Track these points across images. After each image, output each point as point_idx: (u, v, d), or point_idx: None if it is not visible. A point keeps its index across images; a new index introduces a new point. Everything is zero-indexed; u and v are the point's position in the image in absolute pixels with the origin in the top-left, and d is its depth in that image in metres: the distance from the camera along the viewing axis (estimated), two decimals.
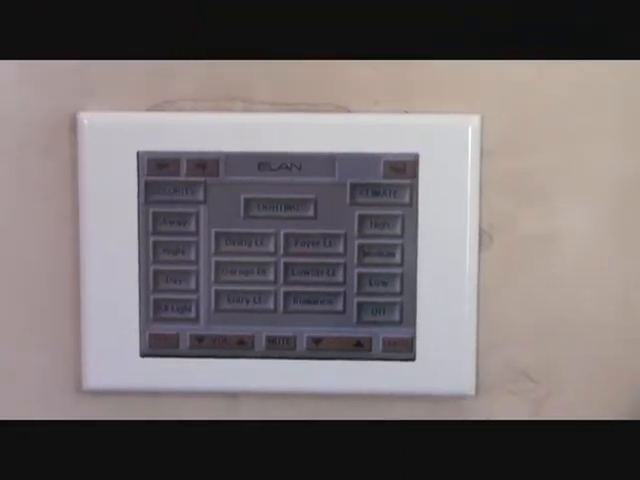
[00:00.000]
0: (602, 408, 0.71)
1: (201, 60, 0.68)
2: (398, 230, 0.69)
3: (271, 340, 0.70)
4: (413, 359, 0.70)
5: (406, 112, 0.69)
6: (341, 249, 0.69)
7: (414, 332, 0.70)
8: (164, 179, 0.69)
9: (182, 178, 0.69)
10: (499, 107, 0.69)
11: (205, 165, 0.69)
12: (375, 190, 0.69)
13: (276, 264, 0.69)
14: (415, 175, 0.69)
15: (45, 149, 0.69)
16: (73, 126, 0.69)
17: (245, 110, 0.69)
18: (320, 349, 0.70)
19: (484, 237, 0.70)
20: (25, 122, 0.69)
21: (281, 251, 0.69)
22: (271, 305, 0.70)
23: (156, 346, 0.70)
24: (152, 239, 0.70)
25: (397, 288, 0.69)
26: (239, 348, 0.70)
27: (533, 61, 0.67)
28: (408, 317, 0.70)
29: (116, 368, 0.70)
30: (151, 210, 0.69)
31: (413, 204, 0.69)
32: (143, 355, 0.70)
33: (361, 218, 0.69)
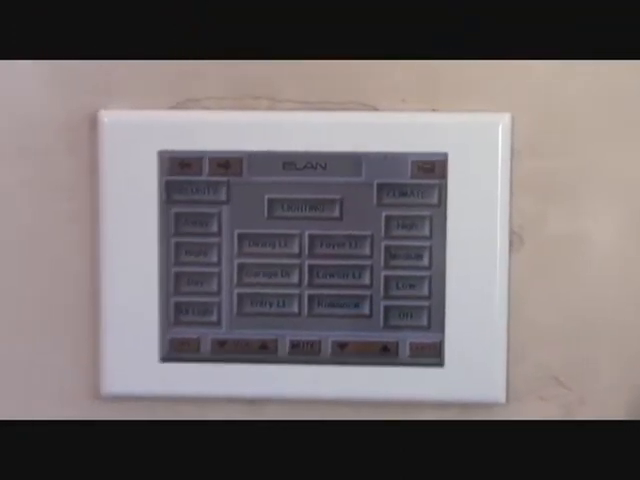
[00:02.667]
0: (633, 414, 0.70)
1: (225, 60, 0.68)
2: (426, 232, 0.69)
3: (295, 345, 0.69)
4: (441, 365, 0.69)
5: (434, 110, 0.69)
6: (367, 251, 0.69)
7: (442, 337, 0.69)
8: (186, 179, 0.69)
9: (204, 178, 0.69)
10: (528, 105, 0.68)
11: (228, 164, 0.68)
12: (402, 190, 0.68)
13: (300, 266, 0.69)
14: (444, 175, 0.68)
15: (67, 148, 0.69)
16: (94, 124, 0.69)
17: (270, 108, 0.69)
18: (345, 354, 0.69)
19: (514, 238, 0.69)
20: (47, 120, 0.69)
21: (306, 253, 0.69)
22: (295, 308, 0.69)
23: (176, 351, 0.70)
24: (173, 240, 0.69)
25: (425, 291, 0.69)
26: (262, 353, 0.70)
27: (563, 61, 0.67)
28: (436, 321, 0.69)
29: (135, 373, 0.70)
30: (172, 210, 0.69)
31: (442, 205, 0.68)
32: (163, 360, 0.70)
33: (388, 219, 0.69)
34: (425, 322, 0.69)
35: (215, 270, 0.69)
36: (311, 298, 0.69)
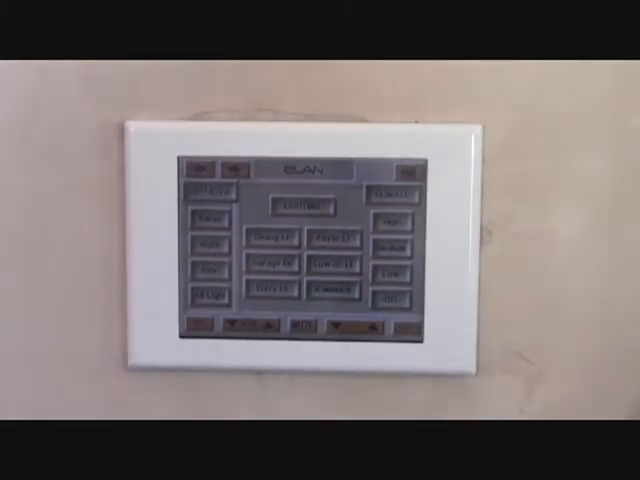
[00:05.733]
0: (586, 386, 0.73)
1: (235, 75, 0.70)
2: (409, 227, 0.70)
3: (295, 324, 0.71)
4: (421, 341, 0.71)
5: (417, 122, 0.70)
6: (358, 243, 0.71)
7: (422, 317, 0.71)
8: (201, 181, 0.70)
9: (217, 180, 0.70)
10: (499, 118, 0.71)
11: (238, 168, 0.70)
12: (388, 191, 0.70)
13: (300, 256, 0.71)
14: (424, 178, 0.70)
15: (97, 153, 0.72)
16: (121, 133, 0.71)
17: (273, 119, 0.71)
18: (339, 332, 0.71)
19: (485, 233, 0.71)
20: (80, 130, 0.72)
21: (304, 245, 0.71)
22: (295, 293, 0.71)
23: (193, 329, 0.72)
24: (190, 234, 0.71)
25: (407, 278, 0.71)
26: (267, 331, 0.71)
27: (531, 77, 0.70)
28: (417, 304, 0.71)
29: (158, 348, 0.72)
30: (189, 208, 0.71)
31: (422, 204, 0.70)
32: (182, 336, 0.72)
33: (376, 216, 0.71)
34: (407, 305, 0.71)
35: (226, 260, 0.71)
36: (309, 284, 0.71)
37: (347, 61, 0.69)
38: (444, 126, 0.71)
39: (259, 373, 0.74)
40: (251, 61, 0.69)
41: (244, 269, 0.71)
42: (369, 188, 0.71)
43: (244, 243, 0.71)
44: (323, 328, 0.72)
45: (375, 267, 0.71)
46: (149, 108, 0.71)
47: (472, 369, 0.72)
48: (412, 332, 0.72)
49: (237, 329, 0.72)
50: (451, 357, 0.72)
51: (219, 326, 0.72)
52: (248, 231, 0.71)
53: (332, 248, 0.71)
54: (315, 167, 0.70)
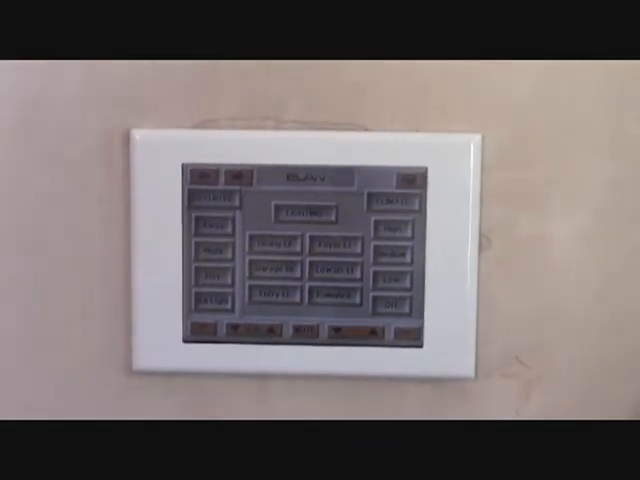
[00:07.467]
0: (583, 390, 0.74)
1: (239, 84, 0.71)
2: (409, 233, 0.72)
3: (297, 329, 0.72)
4: (421, 346, 0.73)
5: (417, 131, 0.72)
6: (359, 250, 0.72)
7: (422, 322, 0.72)
8: (205, 187, 0.72)
9: (221, 187, 0.72)
10: (497, 127, 0.72)
11: (241, 175, 0.71)
12: (389, 198, 0.71)
13: (302, 262, 0.72)
14: (424, 185, 0.71)
15: (104, 160, 0.73)
16: (127, 141, 0.72)
17: (276, 128, 0.72)
18: (340, 337, 0.73)
19: (484, 239, 0.73)
20: (88, 137, 0.72)
21: (306, 251, 0.72)
22: (297, 298, 0.73)
23: (197, 333, 0.73)
24: (194, 240, 0.72)
25: (407, 284, 0.72)
26: (269, 335, 0.73)
27: (529, 84, 0.71)
28: (417, 309, 0.72)
29: (162, 352, 0.73)
30: (193, 214, 0.72)
31: (422, 211, 0.72)
32: (185, 341, 0.73)
33: (376, 223, 0.72)
34: (407, 310, 0.72)
35: (229, 265, 0.72)
36: (311, 289, 0.72)
37: (347, 65, 0.70)
38: (444, 135, 0.72)
39: (261, 377, 0.75)
40: (255, 64, 0.70)
41: (247, 275, 0.73)
42: (370, 195, 0.72)
43: (247, 249, 0.72)
44: (324, 333, 0.73)
45: (376, 273, 0.72)
46: (153, 116, 0.72)
47: (471, 373, 0.74)
48: (412, 337, 0.73)
49: (240, 334, 0.73)
50: (450, 362, 0.73)
51: (222, 331, 0.73)
52: (251, 237, 0.72)
53: (333, 254, 0.72)
54: (317, 175, 0.71)
